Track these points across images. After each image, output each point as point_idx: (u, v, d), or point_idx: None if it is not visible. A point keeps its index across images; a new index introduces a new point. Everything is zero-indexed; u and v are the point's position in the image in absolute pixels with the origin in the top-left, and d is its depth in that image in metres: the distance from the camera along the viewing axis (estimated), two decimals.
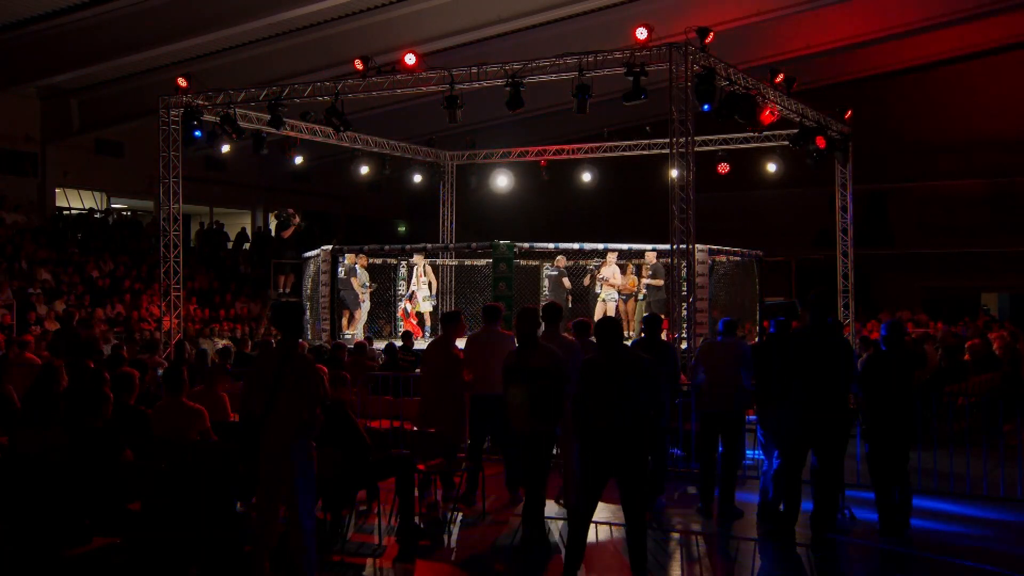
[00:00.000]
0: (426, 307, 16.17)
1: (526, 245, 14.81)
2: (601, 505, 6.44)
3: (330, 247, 15.71)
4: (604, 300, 15.22)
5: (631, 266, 15.51)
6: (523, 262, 16.12)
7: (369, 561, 6.94)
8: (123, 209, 25.23)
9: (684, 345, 11.47)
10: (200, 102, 14.13)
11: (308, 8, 16.24)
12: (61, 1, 16.52)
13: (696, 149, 12.02)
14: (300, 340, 6.94)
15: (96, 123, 21.73)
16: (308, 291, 16.55)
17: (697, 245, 12.03)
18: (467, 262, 17.95)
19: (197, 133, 14.19)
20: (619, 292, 15.40)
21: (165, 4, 16.46)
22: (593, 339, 9.23)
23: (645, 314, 11.80)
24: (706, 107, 11.45)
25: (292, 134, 15.86)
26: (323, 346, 13.43)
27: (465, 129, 19.53)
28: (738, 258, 15.16)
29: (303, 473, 5.94)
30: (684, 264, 11.39)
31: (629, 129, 18.58)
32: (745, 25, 17.82)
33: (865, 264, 18.49)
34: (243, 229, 26.75)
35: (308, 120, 15.92)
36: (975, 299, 25.18)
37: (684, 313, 11.54)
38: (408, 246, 16.31)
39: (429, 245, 17.01)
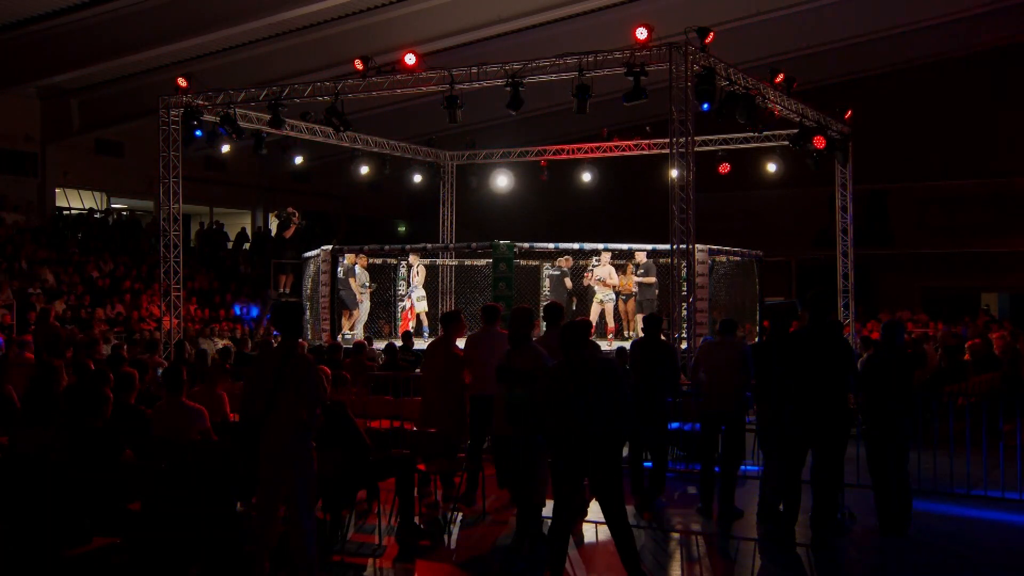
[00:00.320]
0: (421, 307, 16.15)
1: (526, 245, 14.81)
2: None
3: (330, 247, 15.72)
4: (601, 301, 15.23)
5: (631, 266, 15.51)
6: (523, 262, 16.12)
7: (369, 561, 6.95)
8: (123, 209, 25.23)
9: (684, 345, 11.47)
10: (200, 102, 14.13)
11: (308, 8, 16.24)
12: (61, 1, 16.52)
13: (696, 149, 12.02)
14: (300, 340, 6.93)
15: (96, 123, 21.73)
16: (308, 291, 16.55)
17: (697, 245, 12.03)
18: (467, 262, 17.95)
19: (197, 133, 14.20)
20: (619, 292, 15.41)
21: (165, 4, 16.46)
22: (593, 339, 9.22)
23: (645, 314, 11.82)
24: (705, 106, 11.46)
25: (292, 134, 15.87)
26: (321, 346, 13.43)
27: (465, 129, 19.53)
28: (738, 258, 15.16)
29: (303, 473, 5.95)
30: (684, 264, 11.39)
31: (629, 129, 18.57)
32: (745, 25, 17.83)
33: (865, 264, 18.49)
34: (243, 229, 26.75)
35: (308, 120, 15.93)
36: (975, 299, 25.16)
37: (684, 313, 11.54)
38: (408, 246, 16.31)
39: (429, 245, 17.01)
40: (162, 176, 14.35)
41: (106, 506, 6.23)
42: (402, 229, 31.18)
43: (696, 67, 11.40)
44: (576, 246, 15.46)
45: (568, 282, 15.49)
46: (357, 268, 15.65)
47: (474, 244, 15.46)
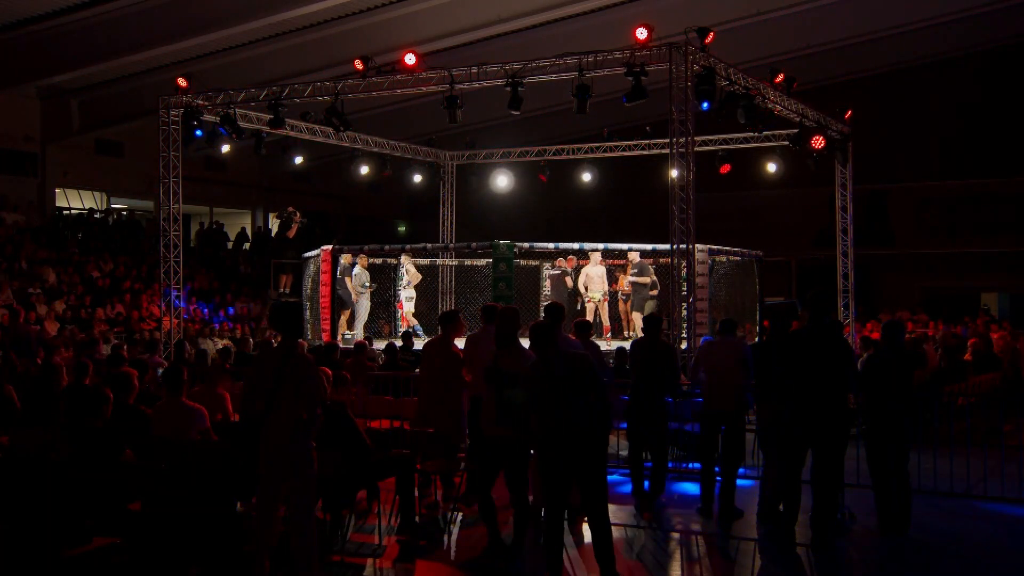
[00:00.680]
0: (408, 307, 16.11)
1: (526, 245, 14.82)
2: None
3: (330, 247, 15.72)
4: (595, 300, 15.24)
5: (630, 266, 15.52)
6: (523, 262, 16.12)
7: (369, 561, 6.94)
8: (123, 209, 25.23)
9: (684, 345, 11.47)
10: (200, 102, 14.14)
11: (308, 8, 16.24)
12: (61, 1, 16.52)
13: (696, 149, 12.02)
14: (300, 340, 6.93)
15: (96, 123, 21.73)
16: (308, 291, 16.56)
17: (697, 245, 12.03)
18: (467, 262, 17.95)
19: (197, 133, 14.20)
20: (620, 292, 15.44)
21: (165, 4, 16.47)
22: (594, 339, 9.22)
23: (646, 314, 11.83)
24: (705, 105, 11.45)
25: (292, 134, 15.87)
26: (320, 346, 13.43)
27: (465, 129, 19.53)
28: (738, 258, 15.17)
29: (303, 473, 5.95)
30: (684, 264, 11.39)
31: (629, 129, 18.57)
32: (745, 25, 17.83)
33: (865, 264, 18.50)
34: (243, 229, 26.75)
35: (308, 120, 15.92)
36: (975, 299, 25.17)
37: (684, 313, 11.54)
38: (408, 246, 16.32)
39: (429, 245, 17.01)
40: (162, 176, 14.35)
41: (106, 506, 6.22)
42: (402, 229, 31.18)
43: (696, 67, 11.39)
44: (576, 246, 15.46)
45: (569, 281, 15.50)
46: (357, 268, 15.66)
47: (474, 244, 15.47)
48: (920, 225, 26.00)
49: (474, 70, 12.54)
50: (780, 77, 13.40)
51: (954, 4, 18.85)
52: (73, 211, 23.53)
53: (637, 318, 15.02)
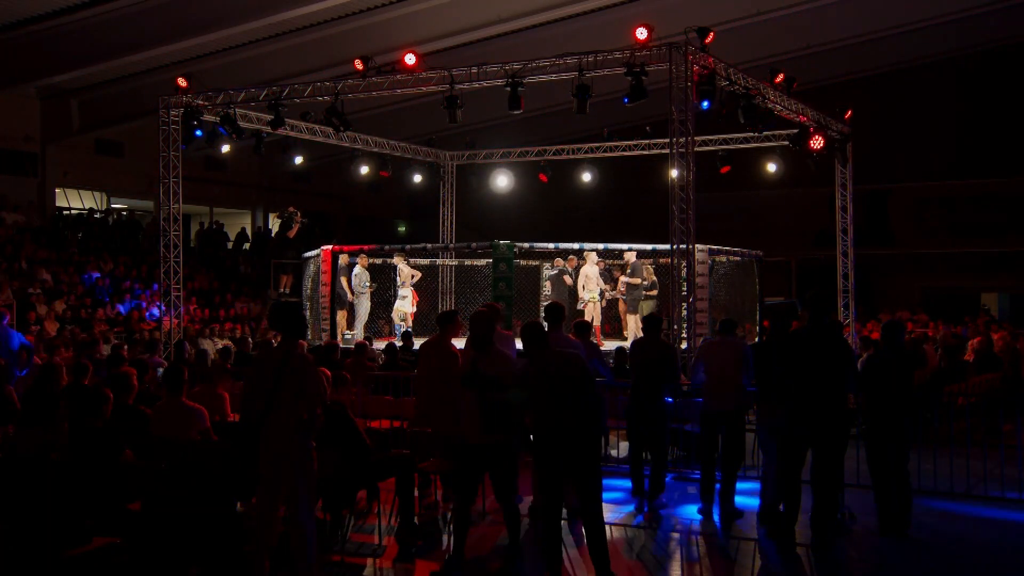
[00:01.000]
0: (402, 306, 16.03)
1: (526, 245, 14.81)
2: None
3: (330, 247, 15.72)
4: (594, 300, 15.24)
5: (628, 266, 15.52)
6: (523, 262, 16.12)
7: (369, 561, 6.95)
8: (123, 209, 25.23)
9: (684, 345, 11.47)
10: (200, 102, 14.13)
11: (308, 8, 16.24)
12: (61, 1, 16.53)
13: (696, 149, 12.02)
14: (300, 340, 6.92)
15: (96, 123, 21.73)
16: (308, 291, 16.56)
17: (697, 245, 12.03)
18: (467, 262, 17.95)
19: (197, 133, 14.19)
20: (617, 292, 15.44)
21: (165, 4, 16.47)
22: (594, 340, 9.21)
23: (646, 314, 11.83)
24: (705, 105, 11.45)
25: (292, 134, 15.87)
26: (320, 346, 13.43)
27: (465, 129, 19.53)
28: (738, 258, 15.16)
29: (303, 473, 5.95)
30: (684, 264, 11.39)
31: (629, 129, 18.58)
32: (745, 25, 17.83)
33: (865, 264, 18.49)
34: (243, 229, 26.76)
35: (308, 120, 15.92)
36: (975, 299, 25.18)
37: (684, 313, 11.54)
38: (408, 246, 16.32)
39: (429, 245, 17.01)
40: (162, 176, 14.35)
41: (106, 506, 6.22)
42: (402, 229, 31.19)
43: (696, 67, 11.39)
44: (576, 246, 15.46)
45: (567, 279, 15.50)
46: (357, 268, 15.66)
47: (474, 244, 15.47)
48: (920, 225, 26.02)
49: (474, 70, 12.53)
50: (780, 77, 13.39)
51: (954, 4, 18.84)
52: (73, 211, 23.53)
53: (631, 319, 15.03)
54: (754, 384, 8.09)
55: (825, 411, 7.04)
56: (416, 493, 7.84)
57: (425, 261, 17.65)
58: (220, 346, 15.55)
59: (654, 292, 14.85)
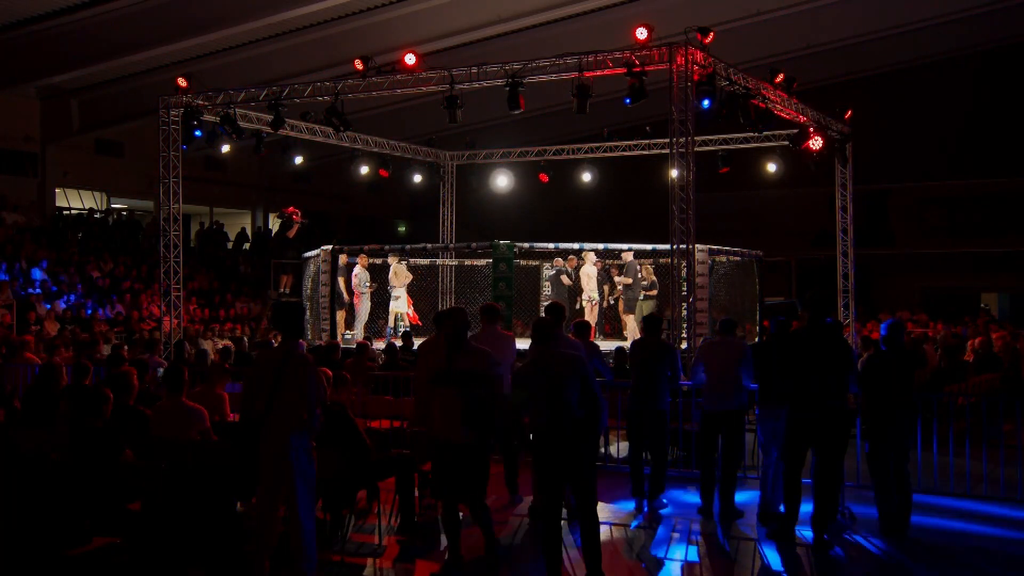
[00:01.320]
0: (396, 306, 16.06)
1: (526, 245, 14.81)
2: (600, 505, 6.43)
3: (330, 247, 15.72)
4: (592, 300, 15.25)
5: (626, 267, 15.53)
6: (523, 262, 16.12)
7: (369, 561, 6.94)
8: (123, 209, 25.24)
9: (684, 345, 11.47)
10: (200, 102, 14.13)
11: (308, 8, 16.26)
12: (61, 1, 16.54)
13: (696, 149, 12.02)
14: (300, 340, 6.92)
15: (96, 123, 21.75)
16: (308, 291, 16.57)
17: (697, 245, 12.03)
18: (467, 262, 17.95)
19: (197, 133, 14.19)
20: (612, 293, 15.48)
21: (165, 4, 16.48)
22: (593, 340, 9.19)
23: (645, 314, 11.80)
24: (705, 104, 11.44)
25: (292, 134, 15.87)
26: (320, 346, 13.43)
27: (465, 129, 19.53)
28: (738, 258, 15.17)
29: (303, 473, 5.95)
30: (684, 264, 11.39)
31: (629, 129, 18.58)
32: (745, 25, 17.84)
33: (865, 264, 18.50)
34: (243, 229, 26.77)
35: (308, 120, 15.92)
36: (975, 299, 25.20)
37: (684, 313, 11.54)
38: (408, 246, 16.32)
39: (429, 245, 17.02)
40: (162, 176, 14.35)
41: (106, 506, 6.23)
42: (402, 229, 31.21)
43: (696, 67, 11.39)
44: (576, 246, 15.46)
45: (565, 279, 15.50)
46: (357, 268, 15.66)
47: (474, 244, 15.47)
48: (920, 225, 26.03)
49: (474, 70, 12.53)
50: (780, 77, 13.39)
51: (954, 4, 18.86)
52: (73, 211, 23.54)
53: (628, 319, 15.03)
54: (754, 384, 8.10)
55: (825, 411, 7.04)
56: (416, 493, 7.84)
57: (425, 261, 17.66)
58: (220, 346, 15.56)
59: (654, 292, 14.86)
